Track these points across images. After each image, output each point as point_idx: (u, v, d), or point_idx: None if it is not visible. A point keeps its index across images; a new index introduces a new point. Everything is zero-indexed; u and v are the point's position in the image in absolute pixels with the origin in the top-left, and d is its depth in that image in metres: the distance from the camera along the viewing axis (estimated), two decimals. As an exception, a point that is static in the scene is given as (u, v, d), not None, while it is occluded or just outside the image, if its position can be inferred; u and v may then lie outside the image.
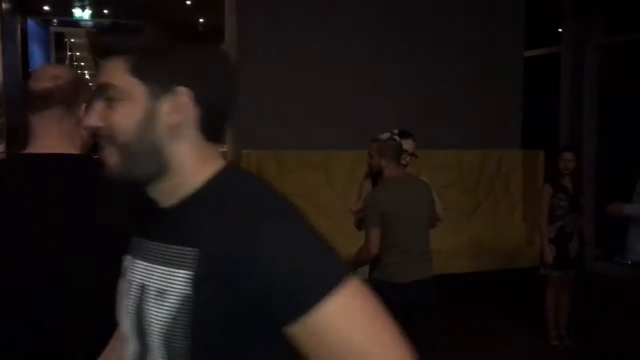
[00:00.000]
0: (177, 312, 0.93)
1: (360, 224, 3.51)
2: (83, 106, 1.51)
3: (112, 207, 1.27)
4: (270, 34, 6.24)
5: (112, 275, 1.07)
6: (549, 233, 4.85)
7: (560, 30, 8.38)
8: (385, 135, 3.38)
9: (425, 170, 6.15)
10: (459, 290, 6.44)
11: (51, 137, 1.49)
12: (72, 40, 17.18)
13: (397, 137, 3.39)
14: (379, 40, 6.62)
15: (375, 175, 3.42)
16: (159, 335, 0.96)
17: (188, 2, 12.09)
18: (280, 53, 6.26)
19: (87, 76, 25.18)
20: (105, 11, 12.92)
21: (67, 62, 18.36)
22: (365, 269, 3.37)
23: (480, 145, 6.97)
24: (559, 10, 8.32)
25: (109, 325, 1.13)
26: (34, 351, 1.33)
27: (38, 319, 1.32)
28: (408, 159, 3.67)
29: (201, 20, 14.03)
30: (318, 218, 6.19)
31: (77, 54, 19.36)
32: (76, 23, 13.07)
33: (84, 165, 1.46)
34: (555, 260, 4.81)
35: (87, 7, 12.47)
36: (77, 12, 12.70)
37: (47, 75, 1.53)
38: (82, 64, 22.07)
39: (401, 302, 3.07)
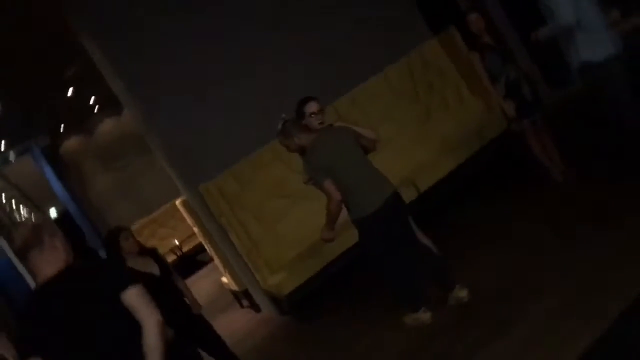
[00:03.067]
0: None
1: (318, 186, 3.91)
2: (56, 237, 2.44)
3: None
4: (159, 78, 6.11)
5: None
6: (499, 92, 4.92)
7: None
8: (279, 125, 3.89)
9: (367, 102, 6.27)
10: (459, 185, 6.53)
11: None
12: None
13: (284, 117, 3.90)
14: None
15: (302, 152, 3.87)
16: None
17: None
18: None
19: None
20: None
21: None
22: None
23: (398, 56, 6.99)
24: None
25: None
26: None
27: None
28: (320, 116, 3.97)
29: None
30: (299, 203, 6.20)
31: None
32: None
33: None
34: (517, 111, 4.89)
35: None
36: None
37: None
38: None
39: (380, 223, 3.68)
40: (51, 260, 2.40)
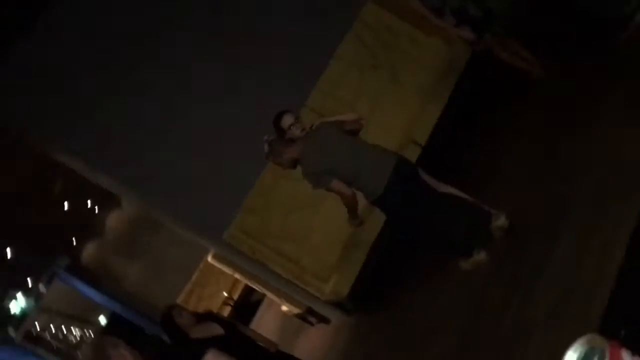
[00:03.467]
0: None
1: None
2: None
3: None
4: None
5: None
6: (450, 23, 4.95)
7: None
8: (266, 147, 3.94)
9: (335, 87, 6.31)
10: (455, 123, 6.55)
11: None
12: None
13: (267, 138, 3.95)
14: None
15: (296, 164, 3.95)
16: None
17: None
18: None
19: None
20: None
21: None
22: None
23: (342, 32, 6.97)
24: None
25: None
26: None
27: None
28: (299, 125, 3.98)
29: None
30: (318, 207, 6.22)
31: None
32: None
33: None
34: (474, 31, 4.92)
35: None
36: None
37: None
38: None
39: (396, 193, 3.71)
40: None
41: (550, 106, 4.65)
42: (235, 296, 12.36)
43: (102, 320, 23.55)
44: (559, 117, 4.32)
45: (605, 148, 3.44)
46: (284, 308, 7.30)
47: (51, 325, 17.76)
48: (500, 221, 3.78)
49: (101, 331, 17.84)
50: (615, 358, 1.03)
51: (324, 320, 6.93)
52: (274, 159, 3.99)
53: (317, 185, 3.86)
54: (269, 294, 7.15)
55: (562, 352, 1.16)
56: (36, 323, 15.57)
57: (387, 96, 6.69)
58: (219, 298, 12.67)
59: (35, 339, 15.40)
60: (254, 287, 7.34)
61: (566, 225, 3.25)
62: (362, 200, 3.98)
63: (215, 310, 11.26)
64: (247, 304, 12.24)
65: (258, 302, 11.81)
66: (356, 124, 3.99)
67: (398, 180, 3.75)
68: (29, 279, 12.59)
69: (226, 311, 11.96)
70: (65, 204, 11.69)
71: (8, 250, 10.71)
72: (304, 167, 3.86)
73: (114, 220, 14.83)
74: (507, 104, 5.54)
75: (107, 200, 14.32)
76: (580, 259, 2.92)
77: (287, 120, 3.97)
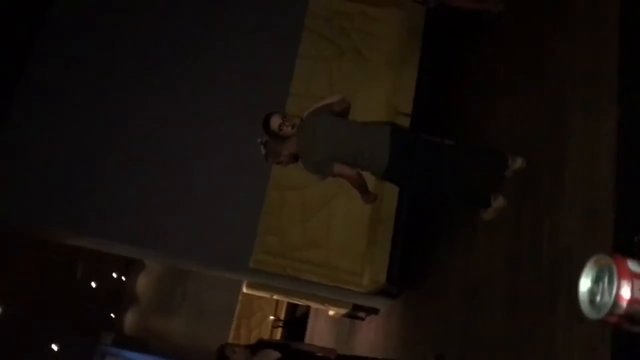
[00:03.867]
0: None
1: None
2: None
3: None
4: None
5: None
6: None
7: None
8: (262, 150, 3.94)
9: (308, 86, 6.32)
10: (433, 83, 6.54)
11: None
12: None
13: (261, 140, 3.95)
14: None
15: (297, 157, 3.95)
16: None
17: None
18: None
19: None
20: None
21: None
22: None
23: (298, 32, 6.96)
24: None
25: None
26: None
27: None
28: (288, 122, 4.00)
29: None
30: (332, 205, 6.21)
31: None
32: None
33: None
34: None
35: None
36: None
37: None
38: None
39: (401, 161, 3.69)
40: None
41: (518, 34, 4.64)
42: (282, 316, 12.37)
43: (164, 380, 23.44)
44: (531, 39, 4.31)
45: (586, 52, 3.42)
46: (331, 312, 7.30)
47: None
48: (517, 164, 3.71)
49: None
50: (622, 270, 1.09)
51: (373, 311, 6.92)
52: (273, 159, 3.99)
53: (322, 174, 3.86)
54: (312, 304, 7.15)
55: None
56: (102, 405, 15.64)
57: (361, 78, 6.68)
58: (267, 323, 12.67)
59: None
60: (295, 302, 7.35)
61: (571, 144, 3.24)
62: (370, 178, 3.98)
63: (268, 335, 11.29)
64: (295, 320, 12.24)
65: (305, 315, 11.81)
66: (343, 102, 3.99)
67: (398, 147, 3.71)
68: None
69: (278, 333, 11.97)
70: (93, 283, 11.76)
71: (54, 346, 10.79)
72: (304, 160, 3.87)
73: (143, 283, 14.87)
74: (478, 46, 5.53)
75: (131, 266, 14.39)
76: (588, 172, 2.92)
77: (275, 121, 3.96)
